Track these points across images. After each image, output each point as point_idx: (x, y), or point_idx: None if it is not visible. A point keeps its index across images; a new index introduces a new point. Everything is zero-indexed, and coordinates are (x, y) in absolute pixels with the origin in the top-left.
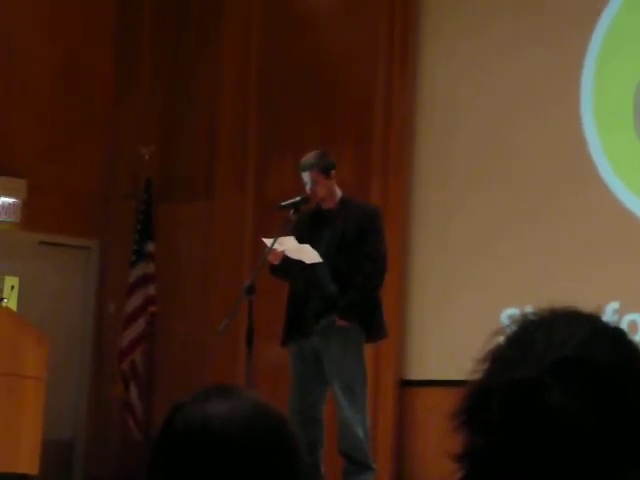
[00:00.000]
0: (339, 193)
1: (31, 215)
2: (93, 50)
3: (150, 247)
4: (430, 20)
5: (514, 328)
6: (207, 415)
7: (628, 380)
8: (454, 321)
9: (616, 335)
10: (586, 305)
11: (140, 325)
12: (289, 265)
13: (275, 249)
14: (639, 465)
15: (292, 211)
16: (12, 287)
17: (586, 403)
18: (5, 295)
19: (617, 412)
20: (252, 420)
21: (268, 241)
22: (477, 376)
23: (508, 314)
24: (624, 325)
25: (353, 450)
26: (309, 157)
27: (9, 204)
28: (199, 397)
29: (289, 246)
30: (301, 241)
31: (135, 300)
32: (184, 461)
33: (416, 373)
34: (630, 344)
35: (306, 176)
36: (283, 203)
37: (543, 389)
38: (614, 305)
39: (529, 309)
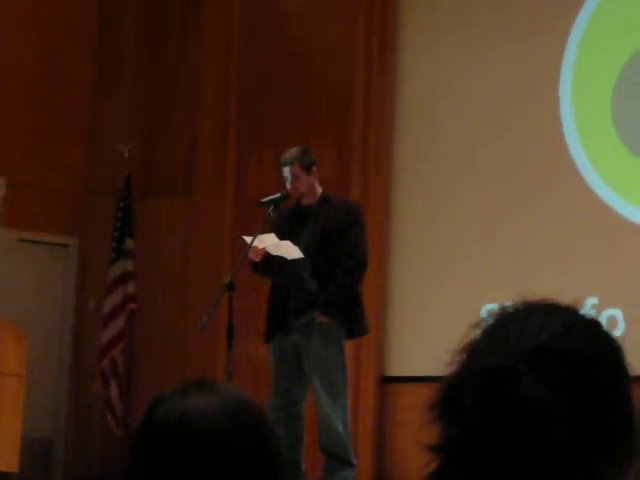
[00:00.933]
0: (319, 189)
1: (10, 212)
2: (73, 48)
3: (129, 244)
4: (409, 16)
5: (490, 321)
6: (186, 409)
7: (602, 370)
8: (435, 317)
9: (592, 326)
10: (565, 300)
11: (120, 323)
12: (270, 262)
13: (256, 246)
14: (611, 456)
15: (272, 208)
16: None
17: (559, 392)
18: None
19: (590, 402)
20: (231, 414)
21: (248, 239)
22: (452, 368)
23: (488, 309)
24: (603, 320)
25: (334, 446)
26: (291, 152)
27: None
28: (178, 391)
29: (269, 243)
30: (281, 238)
31: (115, 298)
32: (163, 455)
33: (397, 369)
34: (606, 335)
35: (287, 171)
36: (262, 200)
37: (516, 377)
38: (593, 300)
39: (508, 304)
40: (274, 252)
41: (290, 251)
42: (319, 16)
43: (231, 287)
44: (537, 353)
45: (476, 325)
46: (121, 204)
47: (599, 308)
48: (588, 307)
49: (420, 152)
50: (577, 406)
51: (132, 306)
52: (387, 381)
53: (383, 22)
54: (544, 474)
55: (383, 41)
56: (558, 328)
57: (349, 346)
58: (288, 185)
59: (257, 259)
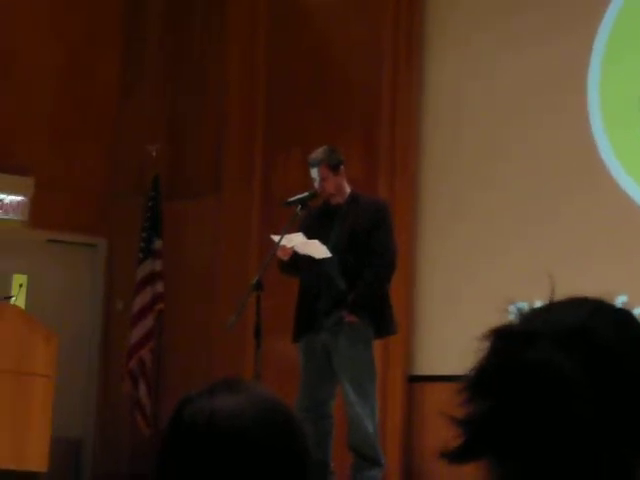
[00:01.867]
0: (348, 189)
1: (39, 213)
2: (99, 47)
3: (157, 244)
4: (436, 14)
5: (519, 317)
6: (214, 409)
7: (631, 357)
8: (462, 317)
9: (622, 313)
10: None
11: (148, 322)
12: (298, 261)
13: (284, 245)
14: (634, 438)
15: (299, 207)
16: (20, 285)
17: (584, 367)
18: (14, 293)
19: (617, 387)
20: (259, 414)
21: (276, 238)
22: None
23: (516, 308)
24: None
25: (362, 445)
26: (318, 153)
27: (17, 202)
28: (206, 391)
29: (297, 242)
30: (310, 237)
31: (143, 297)
32: (192, 455)
33: (424, 369)
34: (636, 322)
35: (315, 172)
36: (290, 199)
37: (539, 343)
38: (622, 299)
39: (538, 304)
40: (302, 251)
41: (318, 250)
42: (345, 14)
43: (259, 286)
44: (563, 328)
45: (504, 322)
46: (149, 204)
47: (629, 306)
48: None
49: (447, 151)
50: (603, 388)
51: (160, 306)
52: (415, 380)
53: (410, 20)
54: (569, 456)
55: (410, 39)
56: (587, 312)
57: (377, 345)
58: (316, 185)
59: (285, 258)
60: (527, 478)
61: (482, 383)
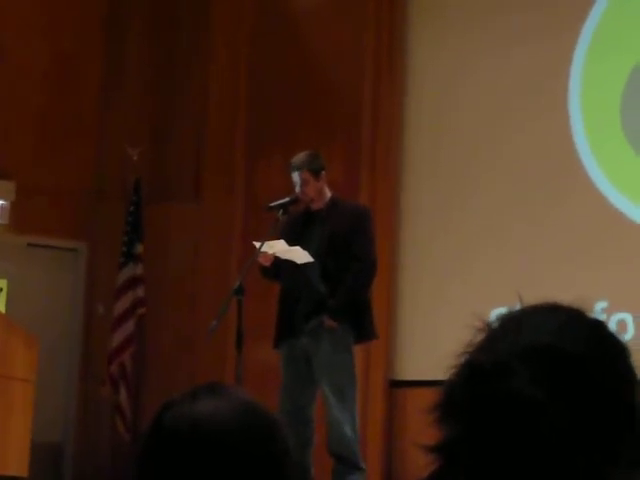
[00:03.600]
0: (328, 194)
1: (19, 217)
2: (81, 51)
3: (139, 249)
4: (417, 18)
5: (495, 324)
6: (196, 414)
7: (602, 372)
8: (444, 322)
9: (593, 325)
10: (574, 303)
11: (129, 327)
12: (280, 267)
13: (265, 252)
14: (616, 459)
15: (281, 212)
16: (0, 289)
17: (555, 391)
18: None
19: (590, 404)
20: (241, 419)
21: (257, 244)
22: (453, 370)
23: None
24: (612, 324)
25: (342, 450)
26: (299, 157)
27: None
28: (188, 396)
29: (278, 249)
30: (291, 241)
31: (124, 302)
32: (172, 460)
33: (406, 374)
34: (608, 335)
35: (296, 176)
36: (271, 204)
37: (509, 374)
38: (602, 304)
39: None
40: (284, 256)
41: (300, 256)
42: (327, 18)
43: (240, 291)
44: (533, 351)
45: (482, 328)
46: (131, 208)
47: (609, 312)
48: (598, 311)
49: (429, 155)
50: (575, 407)
51: (141, 310)
52: (396, 385)
53: (392, 24)
54: (546, 476)
55: (392, 43)
56: (557, 327)
57: (358, 350)
58: (297, 190)
59: (267, 264)
60: None
61: (452, 408)
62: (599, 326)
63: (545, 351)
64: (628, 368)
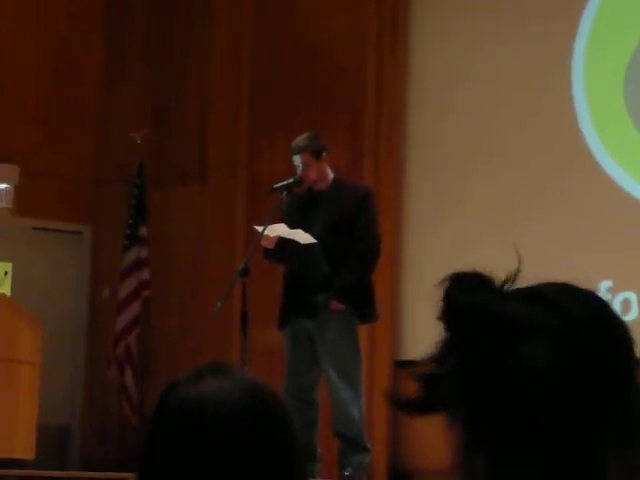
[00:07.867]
0: (331, 175)
1: (24, 201)
2: (82, 36)
3: (143, 231)
4: (421, 2)
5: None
6: (201, 394)
7: (593, 337)
8: None
9: (586, 294)
10: (579, 283)
11: (134, 309)
12: (283, 248)
13: (267, 234)
14: (597, 420)
15: (284, 193)
16: (5, 273)
17: (549, 336)
18: None
19: (580, 367)
20: (247, 399)
21: (260, 228)
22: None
23: None
24: (617, 303)
25: (348, 431)
26: (300, 140)
27: (2, 190)
28: (193, 376)
29: (281, 231)
30: (294, 223)
31: (129, 284)
32: (179, 440)
33: (411, 354)
34: (599, 303)
35: (297, 159)
36: (275, 185)
37: (506, 298)
38: (607, 284)
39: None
40: (287, 236)
41: (302, 237)
42: (331, 2)
43: (245, 273)
44: (530, 294)
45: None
46: (134, 191)
47: (613, 291)
48: (602, 290)
49: (432, 137)
50: (568, 362)
51: (146, 293)
52: (401, 365)
53: (395, 9)
54: (532, 414)
55: (395, 26)
56: (556, 290)
57: (363, 331)
58: (299, 172)
59: (270, 246)
60: (494, 435)
61: (454, 339)
62: (590, 295)
63: (543, 297)
64: (623, 336)
